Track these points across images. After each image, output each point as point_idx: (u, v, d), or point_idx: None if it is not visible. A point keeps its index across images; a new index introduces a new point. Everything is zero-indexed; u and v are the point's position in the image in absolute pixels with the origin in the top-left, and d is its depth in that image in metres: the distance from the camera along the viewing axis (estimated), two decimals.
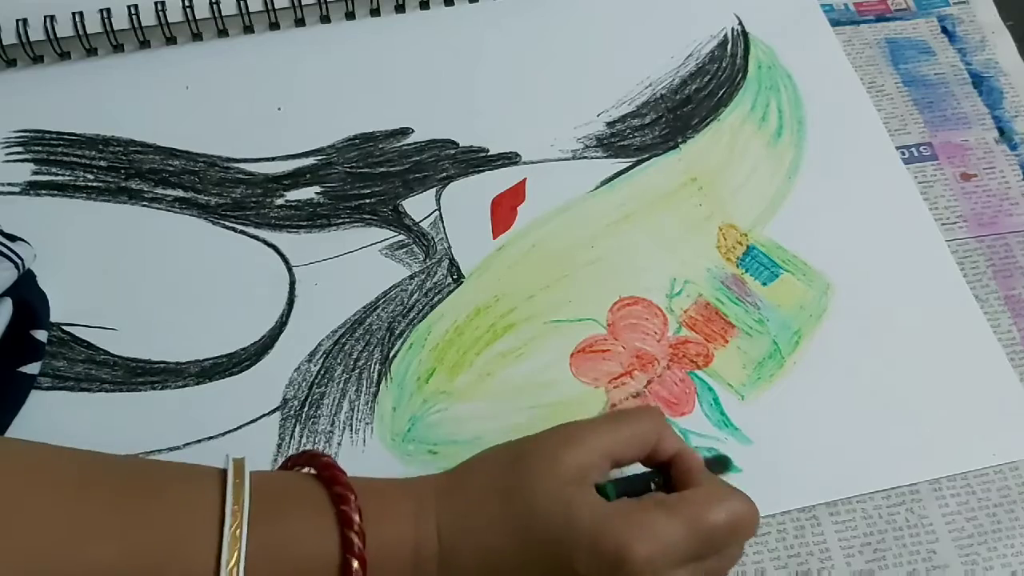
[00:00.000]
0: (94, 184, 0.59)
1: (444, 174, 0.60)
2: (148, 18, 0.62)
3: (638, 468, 0.44)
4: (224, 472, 0.38)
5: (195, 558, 0.36)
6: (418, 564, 0.39)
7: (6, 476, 0.35)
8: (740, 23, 0.67)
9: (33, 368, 0.51)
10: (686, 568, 0.39)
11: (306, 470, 0.42)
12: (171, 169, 0.59)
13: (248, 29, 0.64)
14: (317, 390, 0.53)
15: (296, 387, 0.52)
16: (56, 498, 0.35)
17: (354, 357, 0.54)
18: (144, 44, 0.63)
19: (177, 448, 0.50)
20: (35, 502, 0.35)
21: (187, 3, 0.62)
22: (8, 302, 0.50)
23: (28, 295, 0.52)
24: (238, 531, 0.36)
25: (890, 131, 0.63)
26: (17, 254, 0.52)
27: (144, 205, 0.58)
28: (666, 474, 0.42)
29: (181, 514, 0.37)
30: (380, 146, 0.61)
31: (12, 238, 0.53)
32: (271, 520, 0.37)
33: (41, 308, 0.53)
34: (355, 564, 0.37)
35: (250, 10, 0.63)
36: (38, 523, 0.34)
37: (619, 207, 0.59)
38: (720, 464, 0.44)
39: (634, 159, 0.61)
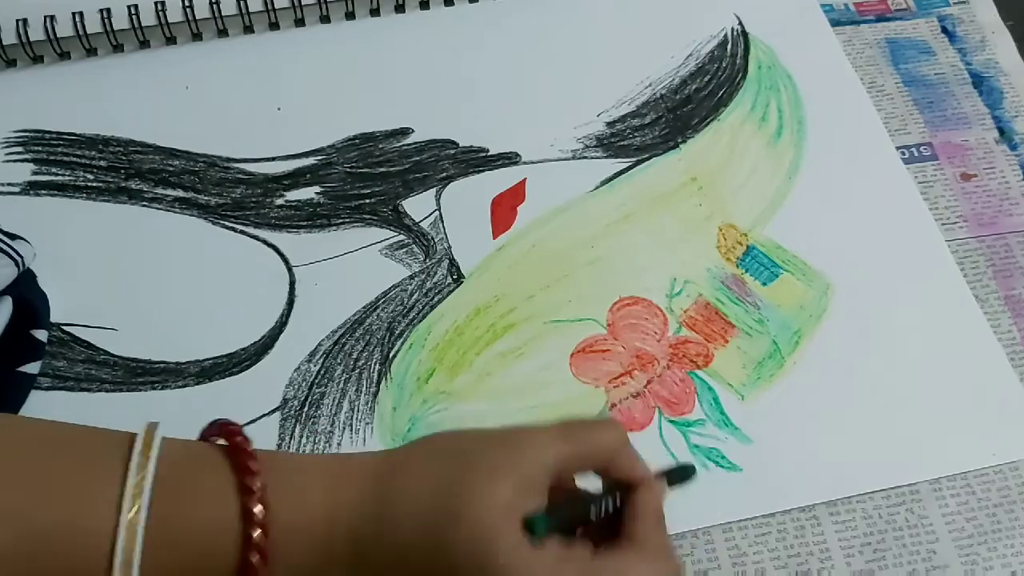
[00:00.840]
0: (94, 184, 0.59)
1: (444, 174, 0.60)
2: (148, 18, 0.62)
3: None
4: (135, 435, 0.38)
5: (97, 510, 0.35)
6: (332, 536, 0.38)
7: None
8: (740, 23, 0.67)
9: (33, 368, 0.51)
10: None
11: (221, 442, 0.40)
12: (171, 169, 0.59)
13: (248, 29, 0.64)
14: (317, 390, 0.53)
15: (296, 387, 0.52)
16: None
17: (354, 357, 0.54)
18: (144, 44, 0.63)
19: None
20: None
21: (187, 3, 0.62)
22: (8, 301, 0.51)
23: (28, 294, 0.52)
24: (142, 483, 0.35)
25: (890, 131, 0.63)
26: (17, 252, 0.52)
27: (144, 205, 0.58)
28: (617, 492, 0.40)
29: (86, 467, 0.36)
30: (380, 146, 0.61)
31: (12, 236, 0.53)
32: (176, 481, 0.37)
33: (42, 308, 0.53)
34: (256, 532, 0.36)
35: (250, 10, 0.63)
36: None
37: (619, 207, 0.59)
38: (681, 474, 0.41)
39: (634, 159, 0.61)
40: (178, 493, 0.36)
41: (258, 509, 0.36)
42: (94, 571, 0.35)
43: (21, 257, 0.52)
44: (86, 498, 0.36)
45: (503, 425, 0.40)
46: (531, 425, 0.39)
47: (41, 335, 0.52)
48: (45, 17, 0.60)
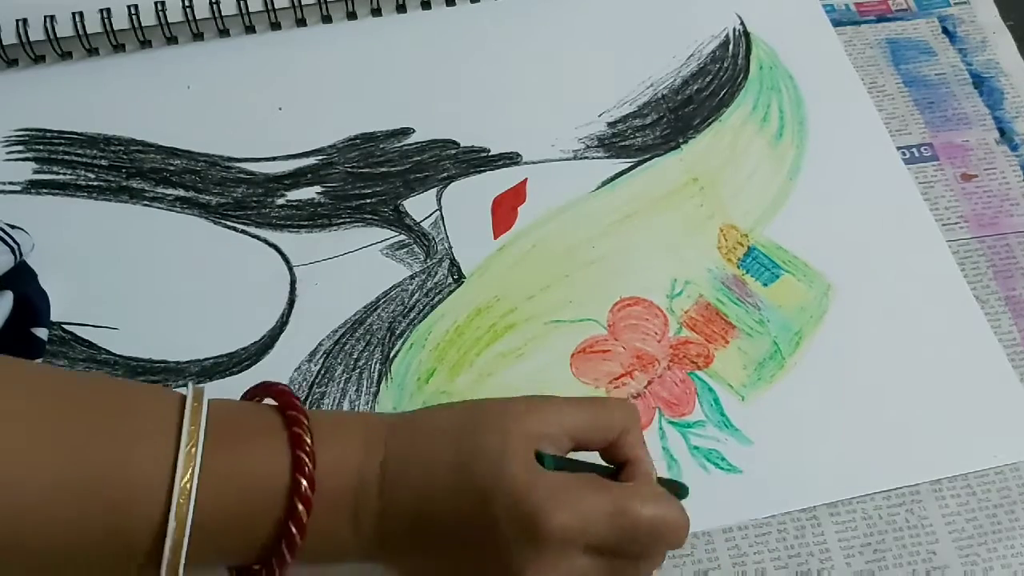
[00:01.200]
0: (95, 183, 0.59)
1: (445, 174, 0.60)
2: (148, 18, 0.62)
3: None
4: (182, 397, 0.39)
5: (150, 472, 0.36)
6: (360, 491, 0.39)
7: None
8: (742, 23, 0.67)
9: None
10: (596, 559, 0.39)
11: (267, 402, 0.42)
12: (172, 168, 0.59)
13: (249, 29, 0.64)
14: (317, 390, 0.53)
15: (296, 387, 0.53)
16: (23, 405, 0.36)
17: (354, 357, 0.54)
18: (145, 44, 0.63)
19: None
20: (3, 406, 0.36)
21: (187, 3, 0.62)
22: (9, 295, 0.51)
23: (30, 292, 0.52)
24: (193, 449, 0.37)
25: (891, 131, 0.63)
26: (14, 240, 0.52)
27: (145, 204, 0.58)
28: (616, 476, 0.41)
29: (138, 429, 0.37)
30: (381, 146, 0.61)
31: (12, 227, 0.53)
32: (225, 441, 0.38)
33: (42, 306, 0.53)
34: (304, 484, 0.37)
35: (251, 10, 0.63)
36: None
37: (620, 207, 0.59)
38: (672, 489, 0.42)
39: (635, 159, 0.61)
40: (230, 452, 0.38)
41: (307, 473, 0.38)
42: (142, 530, 0.36)
43: (18, 245, 0.52)
44: (139, 460, 0.36)
45: None
46: (548, 396, 0.42)
47: (42, 333, 0.52)
48: (45, 17, 0.60)
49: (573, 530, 0.37)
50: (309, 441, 0.38)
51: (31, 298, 0.52)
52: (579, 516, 0.37)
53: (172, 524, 0.36)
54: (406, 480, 0.39)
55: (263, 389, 0.42)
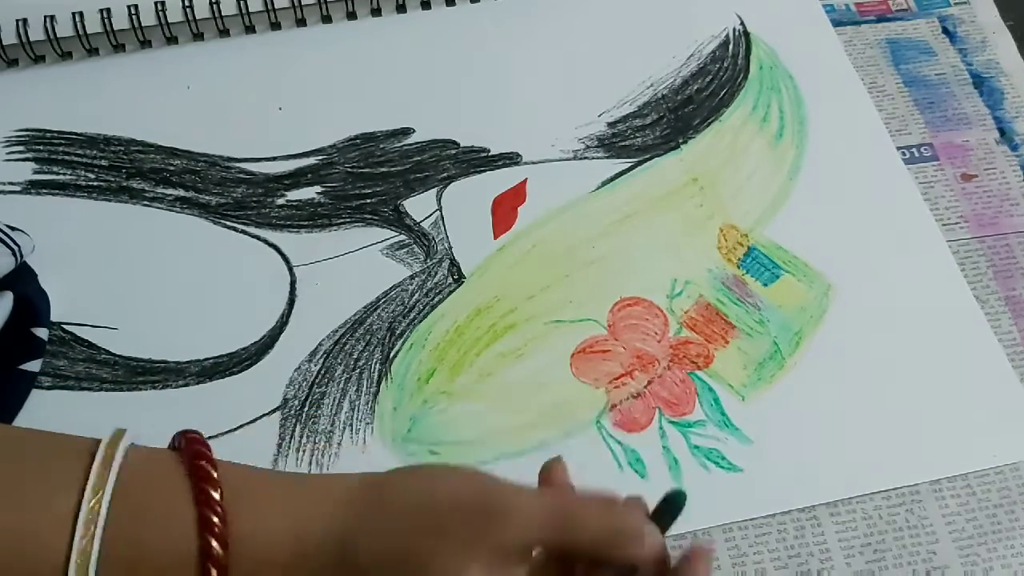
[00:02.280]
0: (95, 183, 0.59)
1: (445, 174, 0.60)
2: (148, 18, 0.62)
3: None
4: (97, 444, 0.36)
5: (51, 529, 0.34)
6: (298, 562, 0.36)
7: None
8: (742, 23, 0.67)
9: (34, 366, 0.51)
10: None
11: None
12: (172, 168, 0.59)
13: (249, 29, 0.64)
14: (317, 390, 0.53)
15: (296, 387, 0.53)
16: None
17: (355, 357, 0.54)
18: (145, 44, 0.63)
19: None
20: None
21: (187, 3, 0.62)
22: (9, 296, 0.51)
23: (30, 292, 0.52)
24: (96, 507, 0.34)
25: (891, 131, 0.63)
26: (15, 242, 0.52)
27: (145, 204, 0.58)
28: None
29: (42, 483, 0.35)
30: (381, 146, 0.61)
31: (12, 228, 0.53)
32: (133, 507, 0.35)
33: (42, 306, 0.53)
34: (215, 546, 0.34)
35: (251, 10, 0.63)
36: None
37: (620, 207, 0.59)
38: (671, 507, 0.38)
39: (635, 159, 0.61)
40: (136, 515, 0.35)
41: (215, 546, 0.34)
42: None
43: (18, 246, 0.52)
44: (41, 511, 0.34)
45: (489, 478, 0.36)
46: (519, 491, 0.36)
47: (42, 333, 0.52)
48: (45, 17, 0.60)
49: None
50: (218, 497, 0.35)
51: (31, 298, 0.52)
52: None
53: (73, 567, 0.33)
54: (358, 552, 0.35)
55: (184, 440, 0.38)
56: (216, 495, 0.35)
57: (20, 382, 0.51)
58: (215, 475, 0.36)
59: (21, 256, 0.52)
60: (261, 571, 0.35)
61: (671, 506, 0.38)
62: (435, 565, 0.35)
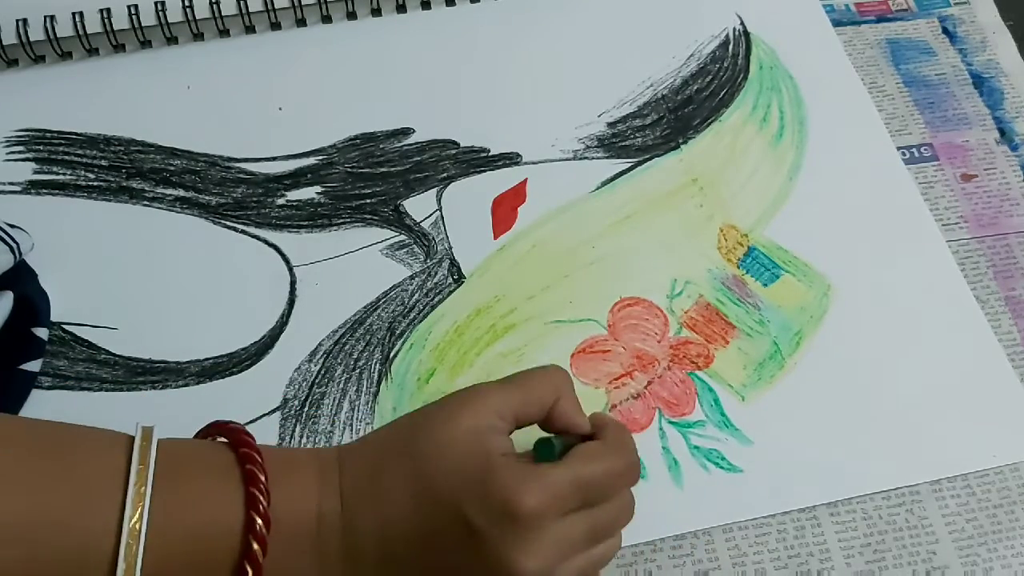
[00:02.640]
0: (95, 183, 0.59)
1: (445, 174, 0.60)
2: (148, 18, 0.62)
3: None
4: (130, 438, 0.39)
5: (99, 514, 0.36)
6: (320, 528, 0.39)
7: None
8: (742, 23, 0.67)
9: (34, 366, 0.51)
10: (577, 515, 0.40)
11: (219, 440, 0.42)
12: (172, 169, 0.59)
13: (249, 29, 0.64)
14: (317, 390, 0.53)
15: (296, 387, 0.53)
16: None
17: (354, 357, 0.54)
18: (145, 44, 0.63)
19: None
20: None
21: (187, 3, 0.62)
22: (9, 295, 0.51)
23: (30, 292, 0.52)
24: (142, 489, 0.36)
25: (891, 132, 0.63)
26: (13, 239, 0.52)
27: (145, 204, 0.58)
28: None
29: (89, 472, 0.37)
30: (381, 146, 0.61)
31: (11, 226, 0.53)
32: (176, 481, 0.37)
33: (43, 306, 0.53)
34: (259, 522, 0.37)
35: (251, 10, 0.63)
36: None
37: (620, 208, 0.59)
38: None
39: (635, 159, 0.61)
40: (178, 495, 0.37)
41: (261, 511, 0.37)
42: (95, 571, 0.35)
43: (17, 244, 0.52)
44: (88, 502, 0.36)
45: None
46: (477, 384, 0.43)
47: (42, 333, 0.52)
48: (45, 17, 0.60)
49: (545, 507, 0.38)
50: (263, 479, 0.38)
51: (31, 298, 0.52)
52: (546, 492, 0.39)
53: (121, 566, 0.35)
54: (365, 512, 0.39)
55: (216, 428, 0.42)
56: (262, 476, 0.38)
57: (20, 382, 0.51)
58: (260, 458, 0.39)
59: (20, 253, 0.52)
60: (290, 547, 0.39)
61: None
62: (430, 470, 0.40)
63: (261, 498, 0.37)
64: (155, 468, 0.37)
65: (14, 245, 0.52)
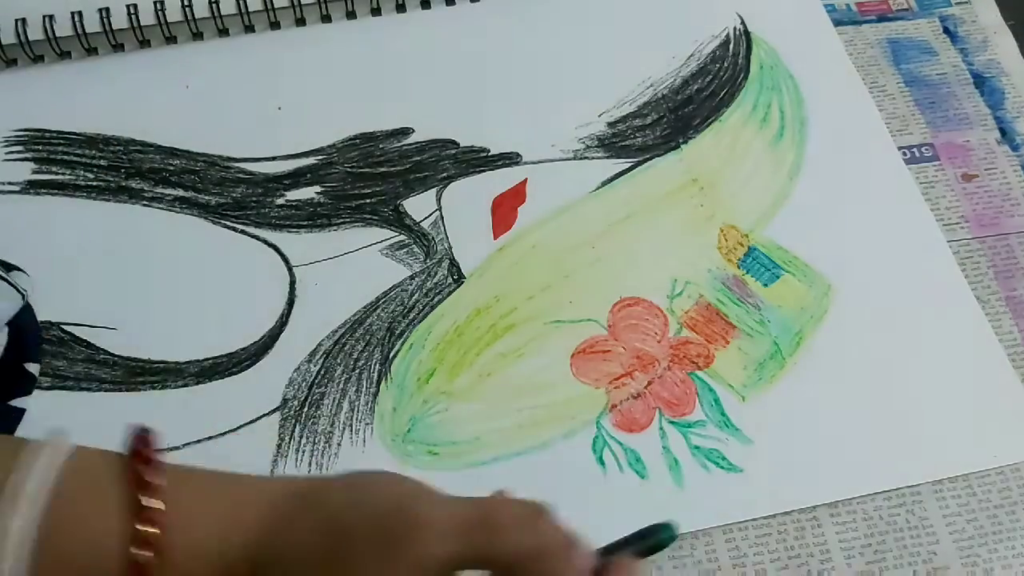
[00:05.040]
0: (94, 183, 0.58)
1: (445, 174, 0.60)
2: (147, 18, 0.62)
3: None
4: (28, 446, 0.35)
5: None
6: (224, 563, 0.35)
7: None
8: (742, 23, 0.67)
9: (23, 403, 0.50)
10: None
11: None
12: (171, 168, 0.59)
13: (249, 29, 0.64)
14: (317, 390, 0.52)
15: (296, 387, 0.52)
16: None
17: (354, 357, 0.54)
18: (144, 44, 0.63)
19: (177, 448, 0.50)
20: None
21: (186, 2, 0.62)
22: (4, 330, 0.50)
23: (24, 324, 0.52)
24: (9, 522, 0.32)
25: (892, 131, 0.63)
26: (20, 286, 0.51)
27: (144, 204, 0.58)
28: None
29: None
30: (381, 146, 0.61)
31: (7, 267, 0.52)
32: (66, 501, 0.34)
33: (34, 340, 0.52)
34: (143, 553, 0.33)
35: (250, 10, 0.63)
36: None
37: (620, 207, 0.59)
38: (656, 540, 0.37)
39: (635, 159, 0.61)
40: (67, 509, 0.34)
41: (151, 531, 0.34)
42: None
43: (25, 291, 0.52)
44: None
45: (413, 488, 0.36)
46: (441, 502, 0.35)
47: (33, 369, 0.51)
48: (44, 17, 0.60)
49: None
50: (160, 507, 0.34)
51: (26, 332, 0.51)
52: None
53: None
54: None
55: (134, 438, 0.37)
56: (153, 503, 0.34)
57: (8, 418, 0.50)
58: (154, 483, 0.34)
59: (25, 298, 0.52)
60: (191, 566, 0.34)
61: (656, 539, 0.37)
62: None
63: (149, 531, 0.33)
64: (28, 498, 0.33)
65: (24, 292, 0.51)
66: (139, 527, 0.33)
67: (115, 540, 0.33)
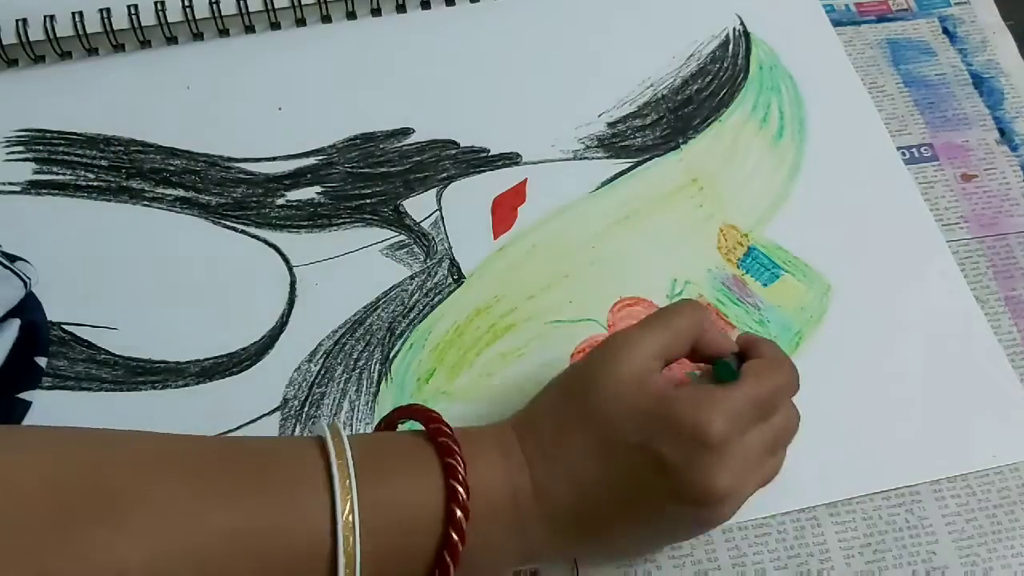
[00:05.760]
0: (95, 184, 0.59)
1: (445, 174, 0.60)
2: (148, 18, 0.62)
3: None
4: (320, 439, 0.40)
5: (311, 514, 0.37)
6: (518, 506, 0.41)
7: (122, 466, 0.37)
8: (742, 23, 0.67)
9: (30, 395, 0.51)
10: (755, 431, 0.43)
11: (407, 424, 0.44)
12: (172, 169, 0.59)
13: (249, 29, 0.64)
14: (317, 390, 0.53)
15: (296, 387, 0.53)
16: (173, 482, 0.37)
17: (354, 357, 0.54)
18: (145, 44, 0.63)
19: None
20: (155, 490, 0.36)
21: (187, 3, 0.62)
22: (16, 323, 0.50)
23: (36, 319, 0.52)
24: (347, 482, 0.38)
25: (891, 132, 0.63)
26: (24, 274, 0.51)
27: (145, 205, 0.58)
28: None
29: (290, 475, 0.38)
30: (381, 146, 0.61)
31: (12, 258, 0.52)
32: (377, 476, 0.39)
33: (45, 335, 0.52)
34: (459, 513, 0.39)
35: (251, 10, 0.63)
36: (161, 508, 0.36)
37: (620, 208, 0.59)
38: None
39: (635, 159, 0.61)
40: (381, 490, 0.39)
41: (461, 502, 0.39)
42: (317, 571, 0.37)
43: (28, 279, 0.52)
44: (298, 504, 0.38)
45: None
46: (623, 331, 0.45)
47: (42, 362, 0.52)
48: (45, 17, 0.60)
49: (729, 428, 0.41)
50: (462, 470, 0.40)
51: (37, 325, 0.52)
52: (729, 415, 0.41)
53: (342, 560, 0.37)
54: (555, 475, 0.42)
55: (404, 413, 0.44)
56: (462, 468, 0.40)
57: (16, 410, 0.50)
58: (458, 448, 0.40)
59: (29, 286, 0.52)
60: (488, 526, 0.41)
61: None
62: (608, 427, 0.42)
63: (461, 491, 0.39)
64: (354, 464, 0.38)
65: (27, 280, 0.51)
66: (454, 483, 0.39)
67: (433, 510, 0.39)
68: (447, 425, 0.42)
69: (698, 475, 0.41)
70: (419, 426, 0.43)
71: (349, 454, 0.39)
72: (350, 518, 0.37)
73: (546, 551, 0.43)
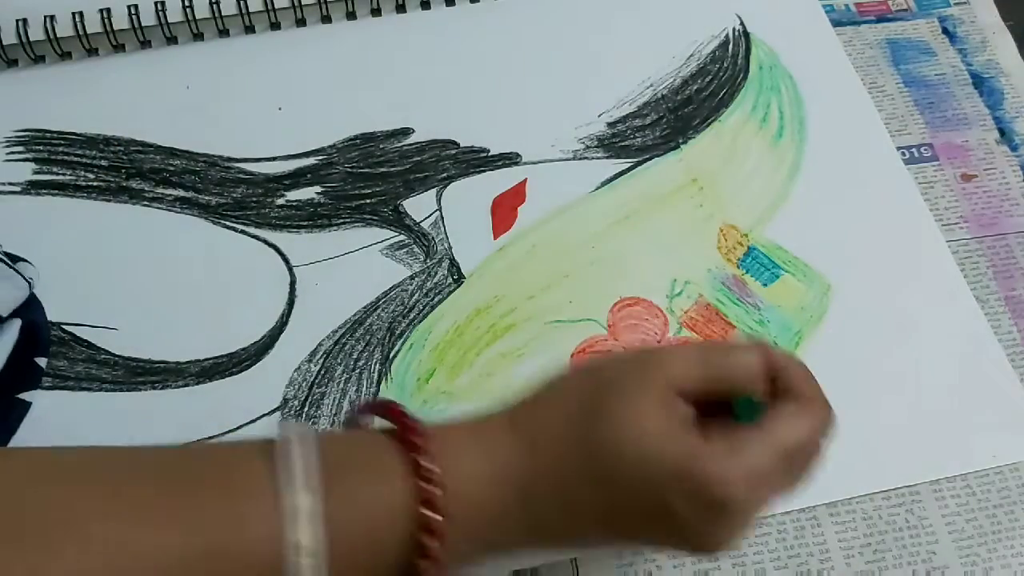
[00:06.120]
0: (95, 184, 0.59)
1: (445, 174, 0.60)
2: (148, 18, 0.62)
3: None
4: (273, 443, 0.36)
5: (259, 534, 0.34)
6: (496, 506, 0.37)
7: (48, 486, 0.33)
8: (742, 23, 0.67)
9: (30, 396, 0.51)
10: (780, 478, 0.39)
11: (374, 421, 0.40)
12: (172, 169, 0.59)
13: (249, 29, 0.64)
14: (317, 390, 0.53)
15: (296, 387, 0.53)
16: (105, 500, 0.34)
17: (354, 357, 0.54)
18: (145, 44, 0.63)
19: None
20: (86, 506, 0.33)
21: (187, 3, 0.62)
22: (17, 323, 0.50)
23: (36, 319, 0.52)
24: (296, 502, 0.34)
25: (891, 132, 0.63)
26: (27, 276, 0.51)
27: (145, 205, 0.58)
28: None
29: (244, 485, 0.35)
30: (381, 146, 0.61)
31: (13, 258, 0.52)
32: (337, 481, 0.35)
33: (45, 335, 0.52)
34: (433, 517, 0.35)
35: (251, 10, 0.63)
36: (93, 528, 0.33)
37: (620, 207, 0.59)
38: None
39: (635, 159, 0.61)
40: (344, 493, 0.35)
41: (438, 492, 0.35)
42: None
43: (31, 280, 0.52)
44: (251, 515, 0.34)
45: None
46: (658, 354, 0.39)
47: (42, 362, 0.52)
48: (45, 17, 0.60)
49: (753, 489, 0.37)
50: (437, 471, 0.36)
51: (38, 326, 0.52)
52: (754, 477, 0.37)
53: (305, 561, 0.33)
54: (546, 500, 0.38)
55: (374, 408, 0.40)
56: (433, 467, 0.36)
57: (16, 410, 0.50)
58: (423, 445, 0.37)
59: (32, 288, 0.52)
60: (474, 516, 0.37)
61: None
62: (607, 439, 0.37)
63: (435, 493, 0.35)
64: (304, 476, 0.34)
65: (30, 280, 0.51)
66: (424, 485, 0.35)
67: (400, 503, 0.35)
68: (415, 421, 0.38)
69: (706, 529, 0.37)
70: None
71: (298, 466, 0.35)
72: (304, 540, 0.33)
73: (530, 545, 0.39)
